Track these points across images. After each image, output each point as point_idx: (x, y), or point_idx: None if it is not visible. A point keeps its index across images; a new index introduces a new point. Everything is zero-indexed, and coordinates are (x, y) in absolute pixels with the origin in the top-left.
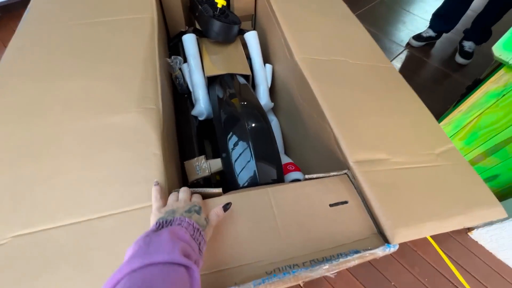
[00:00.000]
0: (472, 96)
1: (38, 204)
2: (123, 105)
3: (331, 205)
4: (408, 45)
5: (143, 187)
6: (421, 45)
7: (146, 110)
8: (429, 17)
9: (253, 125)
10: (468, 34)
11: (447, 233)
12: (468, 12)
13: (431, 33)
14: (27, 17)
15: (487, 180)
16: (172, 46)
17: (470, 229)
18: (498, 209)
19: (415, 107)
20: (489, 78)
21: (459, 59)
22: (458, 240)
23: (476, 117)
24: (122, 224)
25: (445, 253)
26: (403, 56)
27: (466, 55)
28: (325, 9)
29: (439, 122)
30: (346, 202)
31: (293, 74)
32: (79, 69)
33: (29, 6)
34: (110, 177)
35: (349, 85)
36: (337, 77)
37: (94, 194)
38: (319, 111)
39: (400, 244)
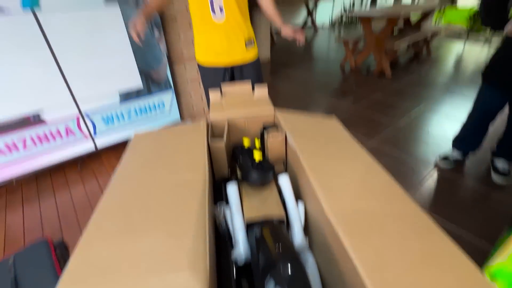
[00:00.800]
0: None
1: None
2: (177, 263)
3: None
4: (437, 165)
5: None
6: (450, 167)
7: (196, 267)
8: (451, 136)
9: (288, 271)
10: (496, 154)
11: None
12: (492, 130)
13: (457, 153)
14: (112, 183)
15: None
16: (216, 189)
17: None
18: None
19: (449, 251)
20: None
21: (495, 178)
22: None
23: None
24: None
25: None
26: (433, 177)
27: (501, 173)
28: (346, 157)
29: (495, 249)
30: None
31: (322, 219)
32: (144, 228)
33: (114, 173)
34: None
35: (377, 233)
36: (364, 226)
37: None
38: (351, 264)
39: None
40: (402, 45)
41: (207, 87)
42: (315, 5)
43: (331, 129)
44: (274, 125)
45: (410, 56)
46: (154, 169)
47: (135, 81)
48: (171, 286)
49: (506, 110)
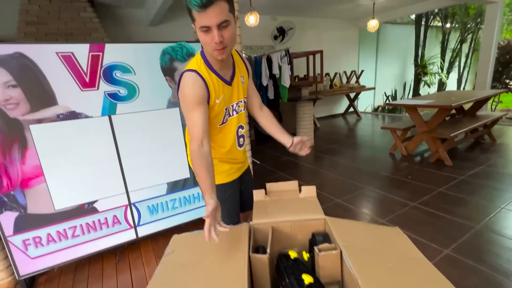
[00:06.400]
0: None
1: None
2: None
3: None
4: None
5: None
6: None
7: None
8: None
9: None
10: None
11: None
12: None
13: None
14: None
15: None
16: None
17: None
18: None
19: None
20: None
21: None
22: None
23: None
24: None
25: None
26: None
27: None
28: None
29: None
30: None
31: None
32: None
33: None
34: None
35: None
36: None
37: None
38: None
39: None
40: (460, 134)
41: (230, 203)
42: (357, 95)
43: (397, 247)
44: (325, 234)
45: (469, 143)
46: (190, 283)
47: (184, 173)
48: None
49: None
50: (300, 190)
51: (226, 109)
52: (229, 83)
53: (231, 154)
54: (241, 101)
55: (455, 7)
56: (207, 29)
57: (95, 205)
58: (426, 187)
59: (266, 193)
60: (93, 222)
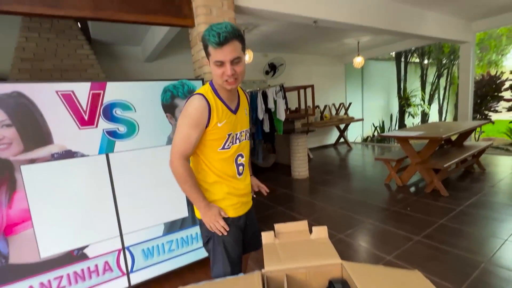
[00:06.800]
0: None
1: None
2: None
3: None
4: None
5: None
6: None
7: None
8: None
9: None
10: None
11: None
12: None
13: None
14: None
15: None
16: None
17: None
18: None
19: None
20: None
21: None
22: None
23: None
24: None
25: None
26: None
27: None
28: None
29: None
30: None
31: None
32: None
33: None
34: None
35: None
36: None
37: None
38: None
39: None
40: (452, 164)
41: (233, 240)
42: (346, 126)
43: None
44: (343, 281)
45: (460, 173)
46: None
47: (182, 212)
48: None
49: None
50: (310, 231)
51: (229, 135)
52: (234, 111)
53: (232, 183)
54: (243, 131)
55: (431, 45)
56: (220, 64)
57: (85, 250)
58: (427, 219)
59: (275, 235)
60: (82, 270)
